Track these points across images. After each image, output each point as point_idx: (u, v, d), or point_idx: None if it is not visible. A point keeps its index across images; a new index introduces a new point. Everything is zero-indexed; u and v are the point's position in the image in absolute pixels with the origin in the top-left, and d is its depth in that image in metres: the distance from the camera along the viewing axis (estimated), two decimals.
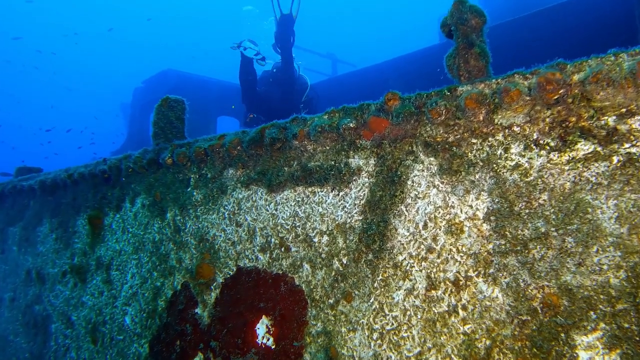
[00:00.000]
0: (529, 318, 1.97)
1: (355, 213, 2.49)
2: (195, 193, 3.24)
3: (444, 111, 2.24)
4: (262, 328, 2.72)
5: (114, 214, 3.79)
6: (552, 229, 1.96)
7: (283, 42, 7.45)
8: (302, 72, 8.83)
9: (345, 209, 2.52)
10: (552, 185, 1.97)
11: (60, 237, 4.41)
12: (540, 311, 1.96)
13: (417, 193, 2.31)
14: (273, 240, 2.79)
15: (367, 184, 2.47)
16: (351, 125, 2.49)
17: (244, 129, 2.99)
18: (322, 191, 2.63)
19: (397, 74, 9.54)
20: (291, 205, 2.74)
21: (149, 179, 3.56)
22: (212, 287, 3.02)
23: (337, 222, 2.55)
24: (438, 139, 2.28)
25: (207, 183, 3.17)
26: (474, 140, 2.19)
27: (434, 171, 2.28)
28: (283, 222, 2.76)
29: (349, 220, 2.51)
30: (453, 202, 2.21)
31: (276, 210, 2.80)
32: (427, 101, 2.32)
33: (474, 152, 2.18)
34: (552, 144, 2.00)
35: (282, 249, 2.74)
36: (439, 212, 2.23)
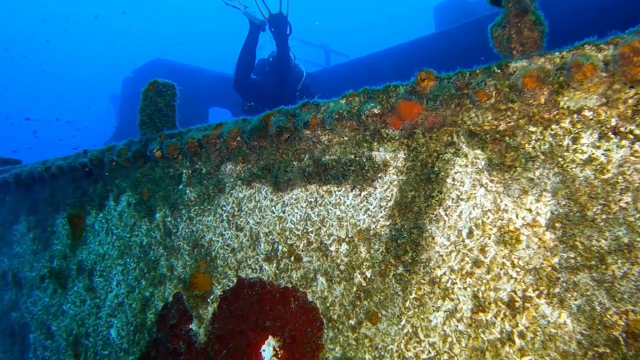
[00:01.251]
0: (608, 351, 1.58)
1: (382, 217, 2.07)
2: (188, 191, 2.80)
3: (493, 92, 1.81)
4: (268, 350, 2.31)
5: (97, 213, 3.35)
6: (638, 238, 1.55)
7: (279, 32, 7.11)
8: (297, 62, 8.63)
9: (369, 212, 2.11)
10: (637, 184, 1.57)
11: (38, 237, 3.96)
12: (622, 342, 1.56)
13: (459, 193, 1.89)
14: (280, 247, 2.37)
15: (395, 182, 2.05)
16: (375, 111, 2.06)
17: (244, 117, 2.55)
18: (339, 190, 2.20)
19: (393, 64, 9.14)
20: (302, 206, 2.31)
21: (135, 174, 3.11)
22: (208, 300, 2.60)
23: (358, 228, 2.13)
24: (486, 127, 1.86)
25: (202, 179, 2.73)
26: (532, 129, 1.77)
27: (481, 167, 1.86)
28: (292, 226, 2.34)
29: (373, 226, 2.09)
30: (506, 204, 1.79)
31: (284, 212, 2.37)
32: (472, 81, 1.89)
33: (532, 143, 1.76)
34: (637, 131, 1.59)
35: (292, 259, 2.32)
36: (489, 218, 1.82)
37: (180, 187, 2.85)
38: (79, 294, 3.34)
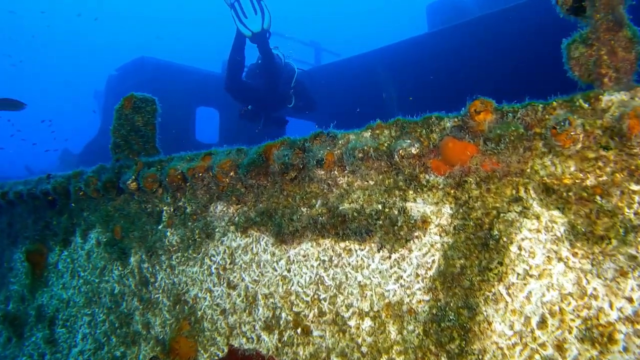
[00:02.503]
0: None
1: (419, 290, 1.59)
2: (169, 233, 2.29)
3: (581, 135, 1.34)
4: None
5: (61, 250, 2.82)
6: None
7: (262, 48, 7.25)
8: (288, 60, 8.56)
9: (402, 282, 1.62)
10: None
11: None
12: None
13: (528, 268, 1.42)
14: (284, 315, 1.88)
15: (438, 246, 1.57)
16: (413, 150, 1.58)
17: (238, 147, 2.05)
18: (362, 249, 1.72)
19: (385, 64, 8.72)
20: (312, 265, 1.82)
21: (106, 206, 2.59)
22: None
23: (387, 301, 1.65)
24: (567, 181, 1.38)
25: (186, 220, 2.23)
26: (635, 187, 1.30)
27: (559, 234, 1.39)
28: (300, 290, 1.85)
29: (407, 300, 1.61)
30: (595, 288, 1.32)
31: (289, 271, 1.88)
32: (547, 116, 1.42)
33: (635, 207, 1.29)
34: None
35: (299, 331, 1.83)
36: (569, 304, 1.35)
37: (160, 227, 2.33)
38: (37, 346, 2.81)
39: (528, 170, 1.45)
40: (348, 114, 10.86)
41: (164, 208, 2.33)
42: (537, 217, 1.42)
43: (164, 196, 2.33)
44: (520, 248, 1.44)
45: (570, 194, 1.37)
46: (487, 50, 7.41)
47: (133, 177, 2.35)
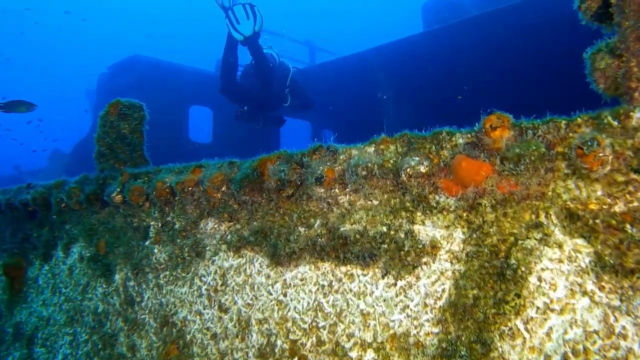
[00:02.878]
0: None
1: (427, 321, 1.46)
2: (156, 250, 2.15)
3: (610, 157, 1.21)
4: None
5: (41, 265, 2.66)
6: None
7: (253, 51, 7.27)
8: (283, 59, 8.56)
9: (409, 312, 1.49)
10: None
11: None
12: None
13: (548, 301, 1.29)
14: (280, 342, 1.74)
15: (449, 273, 1.44)
16: (422, 169, 1.45)
17: (230, 159, 1.91)
18: (365, 275, 1.58)
19: (381, 63, 8.62)
20: (311, 290, 1.69)
21: (89, 219, 2.44)
22: None
23: (392, 332, 1.51)
24: (593, 207, 1.26)
25: (175, 237, 2.08)
26: None
27: (584, 265, 1.26)
28: (297, 316, 1.71)
29: (414, 332, 1.48)
30: (625, 327, 1.20)
31: (285, 295, 1.74)
32: (570, 134, 1.29)
33: None
34: None
35: None
36: (595, 343, 1.23)
37: (147, 243, 2.18)
38: None
39: (549, 193, 1.32)
40: (344, 114, 10.77)
41: (152, 223, 2.18)
42: (560, 246, 1.30)
43: (152, 210, 2.18)
44: (540, 279, 1.31)
45: (597, 221, 1.25)
46: (483, 50, 7.33)
47: (118, 189, 2.20)
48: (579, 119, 1.30)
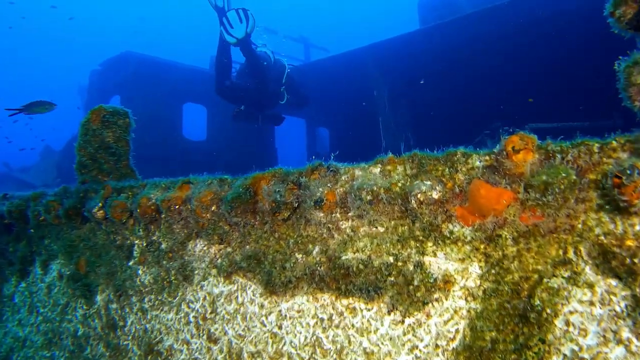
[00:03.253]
0: None
1: None
2: (141, 271, 1.98)
3: None
4: None
5: (18, 281, 2.48)
6: None
7: (245, 52, 7.21)
8: (278, 57, 8.49)
9: (418, 353, 1.34)
10: None
11: None
12: None
13: (577, 349, 1.14)
14: None
15: (464, 312, 1.29)
16: (434, 195, 1.29)
17: (220, 175, 1.75)
18: (369, 310, 1.43)
19: (376, 60, 8.48)
20: (308, 323, 1.53)
21: (70, 235, 2.26)
22: None
23: None
24: (630, 244, 1.11)
25: (161, 258, 1.92)
26: None
27: (619, 309, 1.11)
28: (293, 351, 1.55)
29: None
30: None
31: (280, 327, 1.58)
32: (605, 159, 1.14)
33: None
34: None
35: None
36: None
37: (131, 263, 2.02)
38: None
39: (579, 226, 1.17)
40: (339, 112, 10.60)
41: (136, 242, 2.02)
42: (591, 286, 1.15)
43: (136, 228, 2.01)
44: (567, 323, 1.16)
45: (636, 260, 1.10)
46: (479, 47, 7.22)
47: (100, 204, 2.03)
48: (614, 142, 1.16)
